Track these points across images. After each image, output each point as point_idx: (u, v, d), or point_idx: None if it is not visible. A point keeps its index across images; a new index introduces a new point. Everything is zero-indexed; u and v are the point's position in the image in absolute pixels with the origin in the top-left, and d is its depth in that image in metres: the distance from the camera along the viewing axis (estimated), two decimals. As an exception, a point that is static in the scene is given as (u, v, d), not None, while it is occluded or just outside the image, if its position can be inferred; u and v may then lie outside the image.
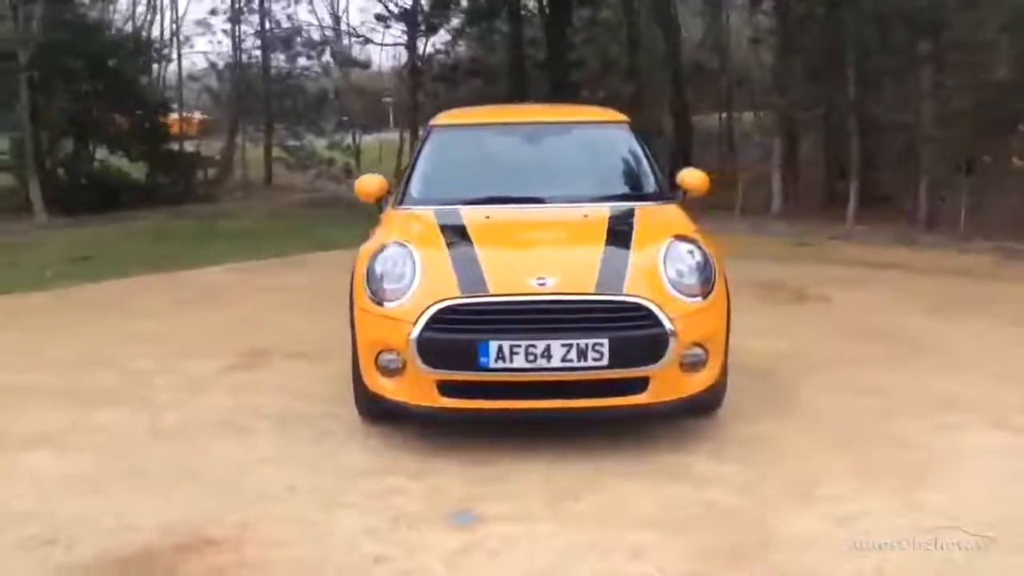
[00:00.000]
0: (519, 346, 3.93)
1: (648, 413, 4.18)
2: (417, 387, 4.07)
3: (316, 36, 17.56)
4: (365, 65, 17.44)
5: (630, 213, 4.73)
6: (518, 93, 14.29)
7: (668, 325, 4.00)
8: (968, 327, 6.32)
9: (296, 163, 17.31)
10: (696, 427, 4.43)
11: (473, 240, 4.40)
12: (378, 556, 3.27)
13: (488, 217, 4.71)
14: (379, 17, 15.54)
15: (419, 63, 15.73)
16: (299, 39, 17.55)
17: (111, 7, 14.55)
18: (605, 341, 3.94)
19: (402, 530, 3.46)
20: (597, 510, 3.62)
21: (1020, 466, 3.97)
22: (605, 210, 4.75)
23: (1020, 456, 4.08)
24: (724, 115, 13.37)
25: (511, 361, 3.94)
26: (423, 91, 15.80)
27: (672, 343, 4.00)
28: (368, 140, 18.44)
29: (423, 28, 15.23)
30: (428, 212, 4.85)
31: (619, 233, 4.45)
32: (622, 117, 5.61)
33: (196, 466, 4.10)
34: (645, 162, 5.27)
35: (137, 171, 15.22)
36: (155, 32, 17.30)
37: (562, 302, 4.01)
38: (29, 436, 4.48)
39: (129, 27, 16.38)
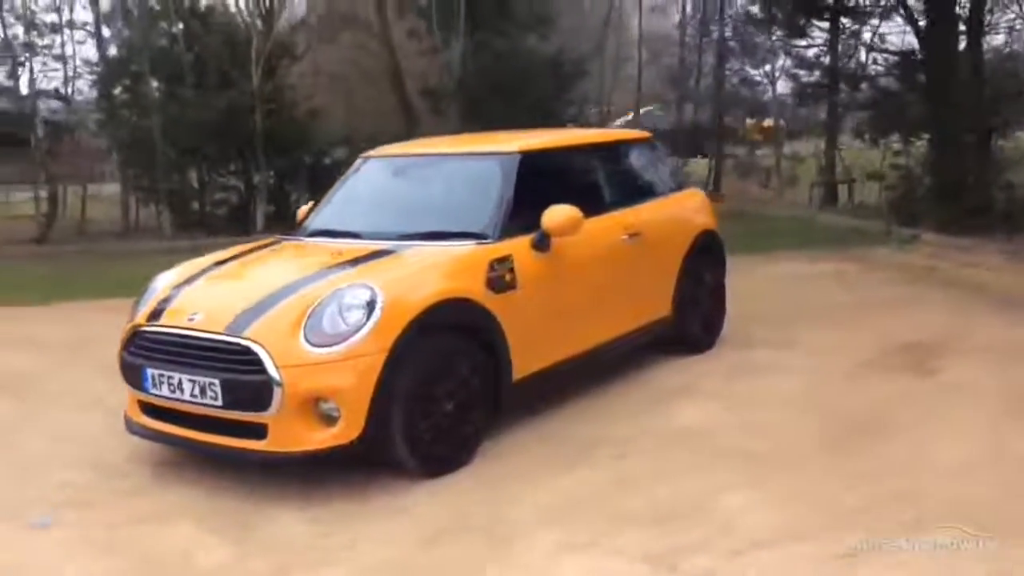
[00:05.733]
0: (163, 376, 4.22)
1: (269, 461, 4.10)
2: (131, 402, 4.56)
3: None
4: (820, 68, 16.34)
5: (382, 254, 4.53)
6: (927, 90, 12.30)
7: (274, 373, 3.91)
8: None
9: (741, 170, 17.18)
10: (357, 485, 4.18)
11: (215, 272, 4.69)
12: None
13: (271, 251, 4.92)
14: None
15: (835, 65, 14.40)
16: (755, 45, 17.20)
17: (546, 31, 15.87)
18: (217, 381, 4.03)
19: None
20: (136, 538, 3.79)
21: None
22: (369, 248, 4.63)
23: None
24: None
25: (161, 389, 4.24)
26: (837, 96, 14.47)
27: (278, 392, 3.91)
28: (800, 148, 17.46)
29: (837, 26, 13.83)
30: (267, 240, 5.22)
31: (321, 275, 4.35)
32: (515, 148, 5.12)
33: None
34: (492, 199, 4.84)
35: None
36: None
37: (191, 338, 4.16)
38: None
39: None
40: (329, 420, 3.99)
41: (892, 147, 12.78)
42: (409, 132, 17.68)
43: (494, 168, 5.01)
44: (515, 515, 3.90)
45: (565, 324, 4.98)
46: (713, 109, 17.67)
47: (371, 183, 5.51)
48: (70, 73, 16.13)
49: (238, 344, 4.02)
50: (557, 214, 4.76)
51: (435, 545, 3.66)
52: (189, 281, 4.64)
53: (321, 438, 3.99)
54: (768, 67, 16.52)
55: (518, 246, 4.73)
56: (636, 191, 5.83)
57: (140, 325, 4.44)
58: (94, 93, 16.07)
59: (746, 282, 8.66)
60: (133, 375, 4.37)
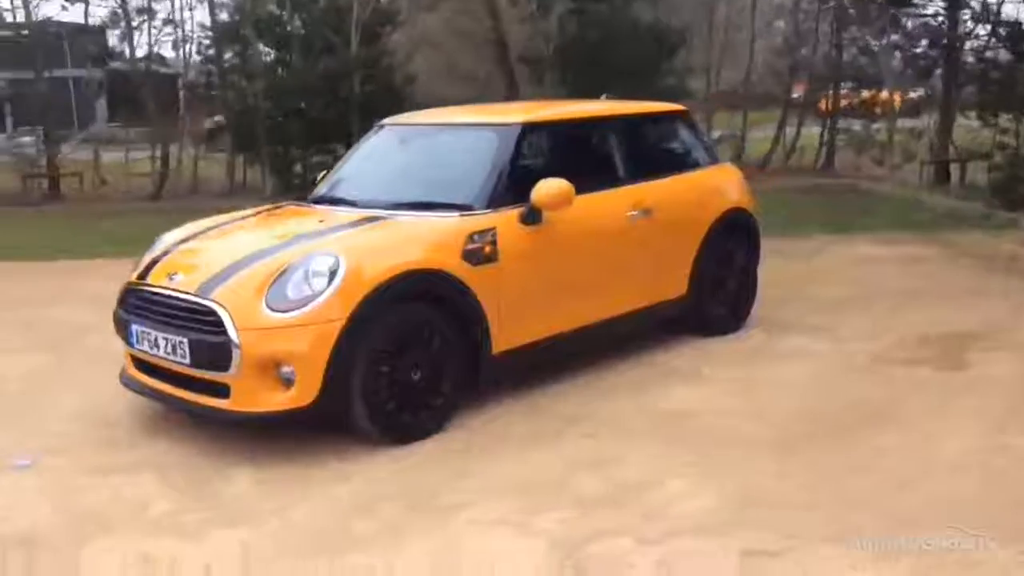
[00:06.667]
0: (144, 332, 4.39)
1: (231, 420, 4.20)
2: (126, 357, 4.75)
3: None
4: (932, 39, 15.39)
5: (365, 223, 4.56)
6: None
7: (233, 335, 4.01)
8: None
9: (856, 145, 16.48)
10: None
11: (210, 233, 4.82)
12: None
13: (268, 216, 5.00)
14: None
15: (951, 36, 13.47)
16: (876, 14, 16.33)
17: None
18: (185, 341, 4.16)
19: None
20: (98, 486, 3.97)
21: None
22: (355, 216, 4.67)
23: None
24: None
25: (142, 345, 4.41)
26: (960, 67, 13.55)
27: (236, 354, 4.00)
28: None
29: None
30: (274, 205, 5.33)
31: (295, 241, 4.42)
32: (516, 120, 5.03)
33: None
34: (484, 170, 4.78)
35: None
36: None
37: (168, 297, 4.30)
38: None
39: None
40: (287, 383, 4.06)
41: (1000, 125, 11.96)
42: (509, 100, 17.67)
43: (491, 139, 4.94)
44: (466, 488, 3.89)
45: (555, 299, 4.89)
46: (830, 79, 16.92)
47: (379, 150, 5.53)
48: (184, 37, 16.79)
49: (204, 305, 4.13)
50: (547, 187, 4.67)
51: (369, 513, 3.67)
52: (185, 241, 4.79)
53: (279, 400, 4.07)
54: (886, 38, 15.66)
55: (504, 219, 4.66)
56: (655, 165, 5.62)
57: (132, 282, 4.61)
58: (202, 57, 16.68)
59: (813, 262, 8.37)
60: (123, 330, 4.56)
